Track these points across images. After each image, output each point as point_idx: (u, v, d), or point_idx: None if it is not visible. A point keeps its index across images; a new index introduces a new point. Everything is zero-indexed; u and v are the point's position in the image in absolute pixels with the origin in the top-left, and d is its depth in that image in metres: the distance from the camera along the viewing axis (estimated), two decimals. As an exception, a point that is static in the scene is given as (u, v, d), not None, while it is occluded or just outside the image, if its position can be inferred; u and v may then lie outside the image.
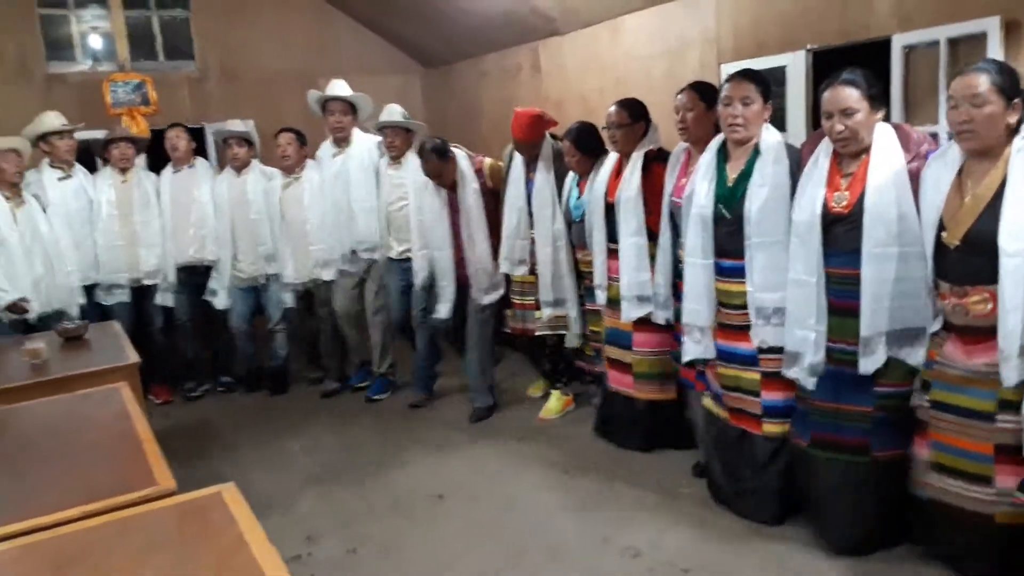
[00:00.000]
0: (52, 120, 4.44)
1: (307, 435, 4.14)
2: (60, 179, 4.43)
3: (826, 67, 3.14)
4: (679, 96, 3.09)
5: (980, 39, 2.98)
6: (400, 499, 3.29)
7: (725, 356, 2.87)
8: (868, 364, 2.45)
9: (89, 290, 4.48)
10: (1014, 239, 2.07)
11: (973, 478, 2.26)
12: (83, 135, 4.72)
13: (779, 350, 2.67)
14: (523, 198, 3.93)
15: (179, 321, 4.82)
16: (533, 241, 3.93)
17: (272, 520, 2.99)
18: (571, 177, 3.83)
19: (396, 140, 4.36)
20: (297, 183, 4.63)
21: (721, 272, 2.82)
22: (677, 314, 3.12)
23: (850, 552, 2.57)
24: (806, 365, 2.55)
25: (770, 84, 2.82)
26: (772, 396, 2.75)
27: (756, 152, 2.73)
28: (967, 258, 2.21)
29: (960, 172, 2.27)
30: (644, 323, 3.38)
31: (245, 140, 4.71)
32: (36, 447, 2.20)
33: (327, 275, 4.63)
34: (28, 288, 3.94)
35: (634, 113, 3.40)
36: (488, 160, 4.21)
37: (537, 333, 4.08)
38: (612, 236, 3.46)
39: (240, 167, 4.72)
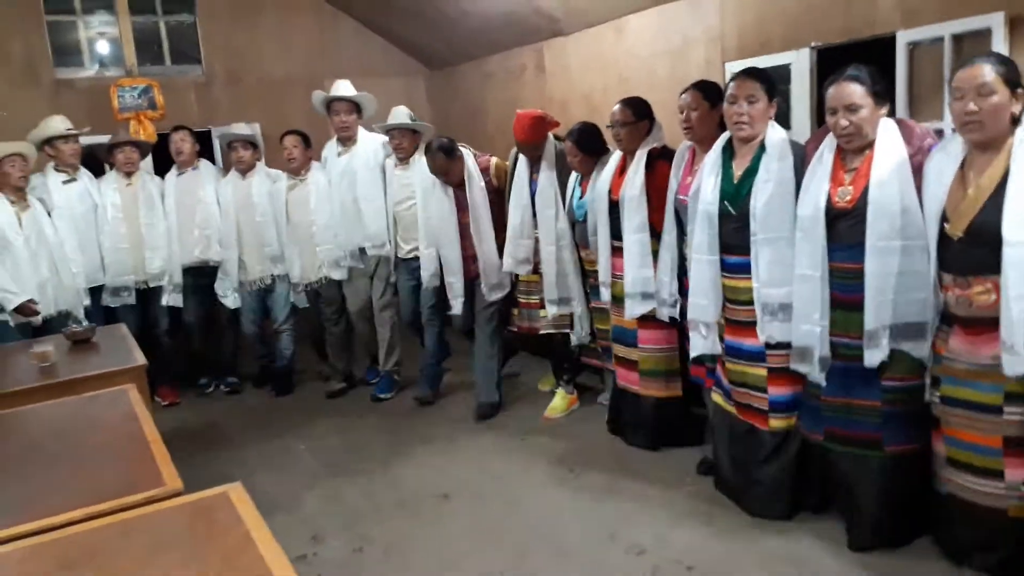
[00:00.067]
0: (57, 124, 4.46)
1: (313, 435, 4.15)
2: (65, 182, 4.46)
3: (830, 65, 3.14)
4: (683, 95, 3.09)
5: (984, 35, 2.98)
6: (406, 498, 3.30)
7: (732, 352, 2.87)
8: (873, 357, 2.45)
9: (94, 292, 4.50)
10: (1017, 229, 2.07)
11: (984, 472, 2.27)
12: (89, 140, 4.75)
13: (786, 346, 2.67)
14: (527, 198, 3.94)
15: (186, 321, 4.84)
16: (537, 240, 3.93)
17: (278, 520, 3.00)
18: (574, 177, 3.83)
19: (403, 142, 4.38)
20: (303, 185, 4.65)
21: (727, 268, 2.83)
22: (684, 312, 3.13)
23: (867, 547, 2.55)
24: (816, 360, 2.56)
25: (775, 82, 2.82)
26: (778, 391, 2.75)
27: (761, 149, 2.74)
28: (970, 249, 2.21)
29: (963, 164, 2.28)
30: (649, 320, 3.38)
31: (250, 143, 4.74)
32: (45, 449, 2.21)
33: (337, 274, 4.64)
34: (34, 291, 3.97)
35: (638, 111, 3.40)
36: (495, 159, 4.23)
37: (542, 331, 4.09)
38: (616, 233, 3.47)
39: (245, 170, 4.74)
